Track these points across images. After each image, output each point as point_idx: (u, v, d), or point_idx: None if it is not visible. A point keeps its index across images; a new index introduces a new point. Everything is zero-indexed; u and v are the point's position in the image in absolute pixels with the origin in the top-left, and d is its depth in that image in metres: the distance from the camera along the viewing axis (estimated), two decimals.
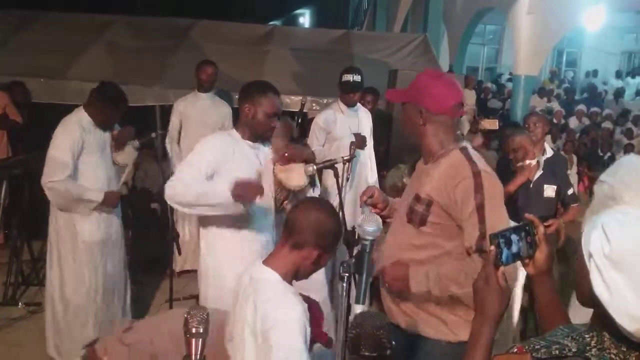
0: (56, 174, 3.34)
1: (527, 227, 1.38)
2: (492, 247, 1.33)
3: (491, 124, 6.49)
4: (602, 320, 1.18)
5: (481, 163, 2.09)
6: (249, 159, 2.75)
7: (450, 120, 2.14)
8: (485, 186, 2.01)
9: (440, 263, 2.05)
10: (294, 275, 1.84)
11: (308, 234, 1.80)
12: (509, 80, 14.80)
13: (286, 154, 2.78)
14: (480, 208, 1.99)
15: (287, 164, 2.80)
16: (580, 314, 1.71)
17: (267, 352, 1.64)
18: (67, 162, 3.36)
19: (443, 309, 2.11)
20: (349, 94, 4.23)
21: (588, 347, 1.20)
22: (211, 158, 2.64)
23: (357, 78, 4.20)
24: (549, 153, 3.98)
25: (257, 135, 2.78)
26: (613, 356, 1.18)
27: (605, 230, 1.16)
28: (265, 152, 2.85)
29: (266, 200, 2.71)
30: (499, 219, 2.00)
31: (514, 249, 1.35)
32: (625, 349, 1.18)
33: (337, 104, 4.36)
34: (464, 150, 2.13)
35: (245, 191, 2.45)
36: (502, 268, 1.34)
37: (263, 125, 2.73)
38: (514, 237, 1.36)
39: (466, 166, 2.05)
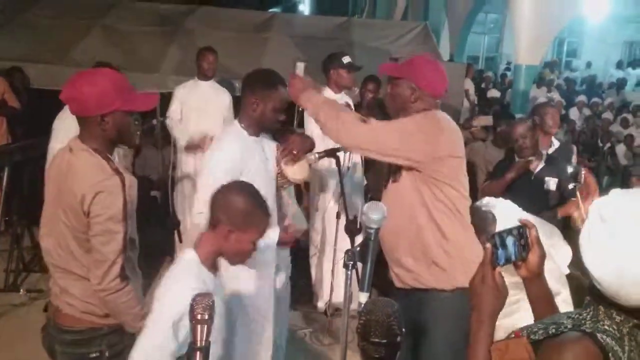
0: None
1: (521, 230, 1.41)
2: (489, 246, 1.36)
3: (486, 120, 6.48)
4: (596, 293, 1.23)
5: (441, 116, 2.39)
6: (259, 158, 2.66)
7: (435, 100, 2.40)
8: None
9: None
10: (216, 255, 1.89)
11: (219, 212, 1.87)
12: (507, 69, 14.77)
13: (295, 151, 2.75)
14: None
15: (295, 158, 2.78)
16: None
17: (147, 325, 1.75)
18: None
19: (439, 255, 2.32)
20: (350, 73, 4.22)
21: (583, 322, 1.24)
22: (230, 172, 2.48)
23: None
24: (556, 145, 4.01)
25: (263, 129, 2.70)
26: (607, 327, 1.22)
27: (602, 206, 1.21)
28: (269, 143, 2.79)
29: (272, 192, 2.67)
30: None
31: (510, 250, 1.39)
32: (618, 321, 1.22)
33: (326, 92, 4.29)
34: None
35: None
36: (498, 268, 1.37)
37: (271, 121, 2.65)
38: (509, 240, 1.39)
39: None
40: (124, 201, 1.99)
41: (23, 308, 4.17)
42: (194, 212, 2.55)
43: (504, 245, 1.38)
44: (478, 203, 3.11)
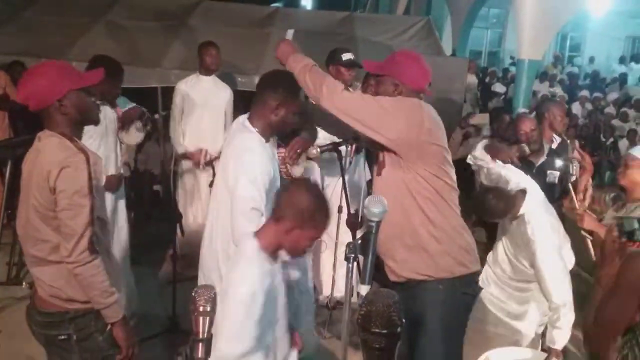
0: None
1: None
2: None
3: (482, 118, 6.50)
4: None
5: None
6: (274, 162, 2.58)
7: (419, 96, 2.43)
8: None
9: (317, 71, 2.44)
10: (276, 247, 2.01)
11: (286, 208, 1.97)
12: (512, 64, 14.74)
13: (299, 151, 2.76)
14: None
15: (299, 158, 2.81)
16: None
17: (224, 310, 1.80)
18: None
19: (428, 241, 2.36)
20: (350, 70, 4.22)
21: None
22: (266, 190, 2.42)
23: (353, 56, 4.21)
24: (557, 140, 4.06)
25: (279, 133, 2.62)
26: None
27: None
28: (274, 146, 2.73)
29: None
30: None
31: None
32: None
33: None
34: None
35: None
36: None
37: (290, 125, 2.58)
38: None
39: None
40: (89, 176, 2.07)
41: (25, 301, 4.15)
42: (240, 229, 2.31)
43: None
44: (501, 186, 3.05)
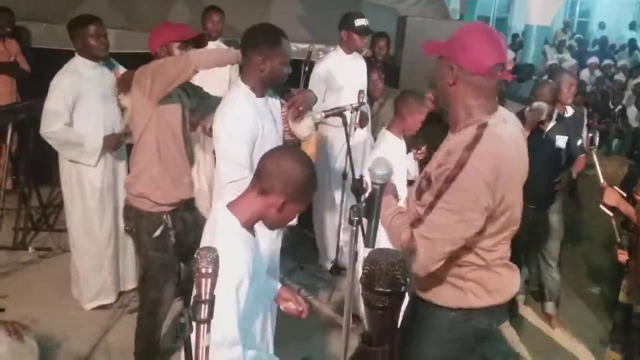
0: (52, 124, 3.40)
1: None
2: None
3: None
4: None
5: (487, 144, 1.75)
6: (269, 120, 2.57)
7: (484, 83, 1.81)
8: (468, 167, 1.71)
9: (402, 215, 1.91)
10: (257, 220, 1.82)
11: (275, 180, 1.74)
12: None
13: (301, 108, 2.71)
14: (448, 180, 1.73)
15: (301, 115, 2.74)
16: None
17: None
18: (61, 111, 3.40)
19: (453, 274, 1.89)
20: (362, 38, 4.14)
21: None
22: (249, 144, 2.42)
23: (367, 22, 4.12)
24: (570, 112, 4.04)
25: (272, 86, 2.61)
26: None
27: None
28: (275, 103, 2.71)
29: None
30: (461, 200, 1.72)
31: None
32: None
33: (338, 51, 4.24)
34: (481, 127, 1.79)
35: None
36: None
37: (280, 76, 2.54)
38: None
39: (466, 143, 1.76)
40: None
41: (31, 265, 4.23)
42: (222, 182, 2.39)
43: None
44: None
